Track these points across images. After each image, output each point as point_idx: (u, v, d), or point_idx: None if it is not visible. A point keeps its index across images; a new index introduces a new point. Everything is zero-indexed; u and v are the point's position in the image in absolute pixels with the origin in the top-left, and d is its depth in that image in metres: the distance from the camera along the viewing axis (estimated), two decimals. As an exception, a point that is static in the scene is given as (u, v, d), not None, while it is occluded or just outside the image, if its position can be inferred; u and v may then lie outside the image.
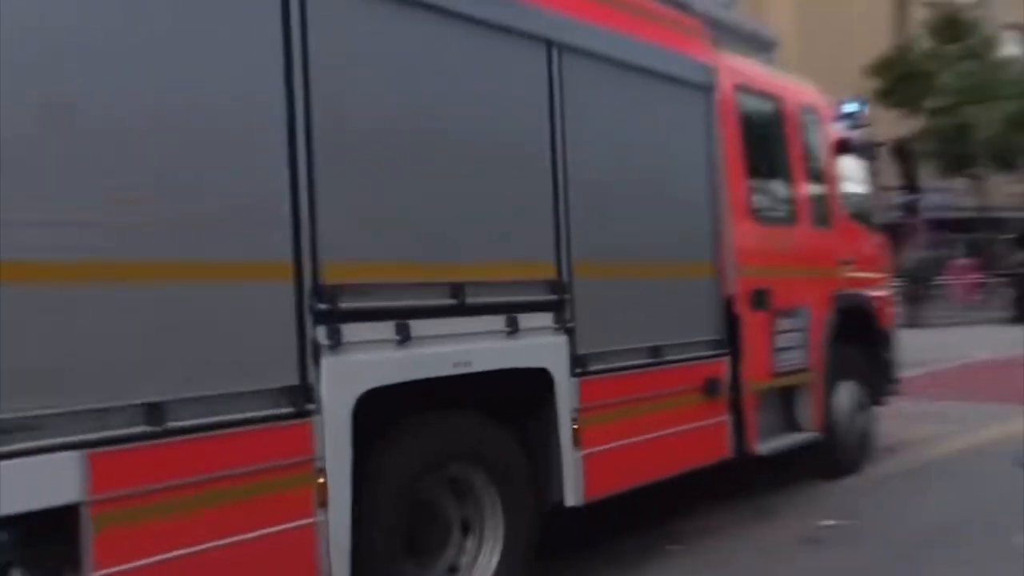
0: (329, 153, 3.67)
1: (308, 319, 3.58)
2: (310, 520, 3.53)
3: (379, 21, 3.95)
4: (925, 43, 36.48)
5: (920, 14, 40.82)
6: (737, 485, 6.74)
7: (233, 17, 3.41)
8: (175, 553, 3.11)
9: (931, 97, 34.16)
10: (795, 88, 7.32)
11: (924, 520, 6.15)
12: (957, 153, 33.78)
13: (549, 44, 4.78)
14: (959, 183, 37.69)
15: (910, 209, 8.50)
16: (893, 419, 8.71)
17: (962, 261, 34.69)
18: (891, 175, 8.58)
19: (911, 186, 8.25)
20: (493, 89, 4.49)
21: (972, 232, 38.49)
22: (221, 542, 3.24)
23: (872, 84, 32.74)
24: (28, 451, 2.79)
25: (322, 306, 3.62)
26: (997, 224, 41.60)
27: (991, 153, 34.67)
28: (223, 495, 3.26)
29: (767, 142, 6.73)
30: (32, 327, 2.82)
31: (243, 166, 3.42)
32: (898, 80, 34.75)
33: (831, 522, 6.10)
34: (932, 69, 34.46)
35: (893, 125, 27.13)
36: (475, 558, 4.38)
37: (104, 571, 2.92)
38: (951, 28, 36.11)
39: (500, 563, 4.38)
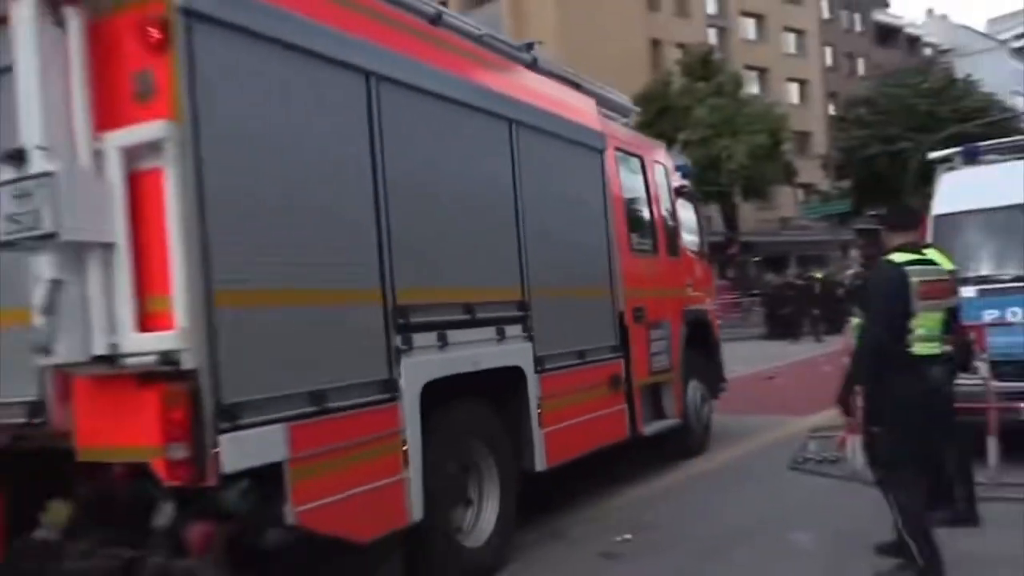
0: (397, 219, 5.03)
1: (392, 330, 4.92)
2: (400, 476, 4.87)
3: (428, 125, 5.38)
4: (679, 80, 40.27)
5: (674, 54, 45.04)
6: (531, 509, 6.74)
7: (356, 149, 4.86)
8: (334, 497, 4.38)
9: (687, 130, 37.46)
10: (650, 145, 9.20)
11: (712, 526, 6.54)
12: (711, 182, 37.16)
13: (510, 122, 6.30)
14: (713, 210, 41.72)
15: (729, 241, 10.58)
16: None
17: (719, 282, 38.03)
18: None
19: (730, 223, 10.35)
20: (485, 165, 5.99)
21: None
22: (357, 490, 4.53)
23: (633, 118, 35.76)
24: (254, 424, 4.00)
25: (399, 320, 4.96)
26: (749, 248, 46.45)
27: (741, 182, 38.52)
28: (355, 460, 4.55)
29: (636, 191, 8.52)
30: (263, 336, 4.06)
31: (358, 229, 4.82)
32: (657, 114, 38.01)
33: (627, 536, 6.33)
34: (687, 104, 38.09)
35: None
36: (479, 512, 5.78)
37: (299, 508, 4.17)
38: (703, 67, 40.03)
39: (499, 513, 5.82)
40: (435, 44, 5.70)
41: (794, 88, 57.18)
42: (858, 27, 63.82)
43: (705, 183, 36.87)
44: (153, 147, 3.82)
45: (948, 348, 5.03)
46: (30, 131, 3.77)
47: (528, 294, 6.28)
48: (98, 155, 3.86)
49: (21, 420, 4.12)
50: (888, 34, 66.85)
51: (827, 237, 47.28)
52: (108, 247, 3.85)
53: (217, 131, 3.94)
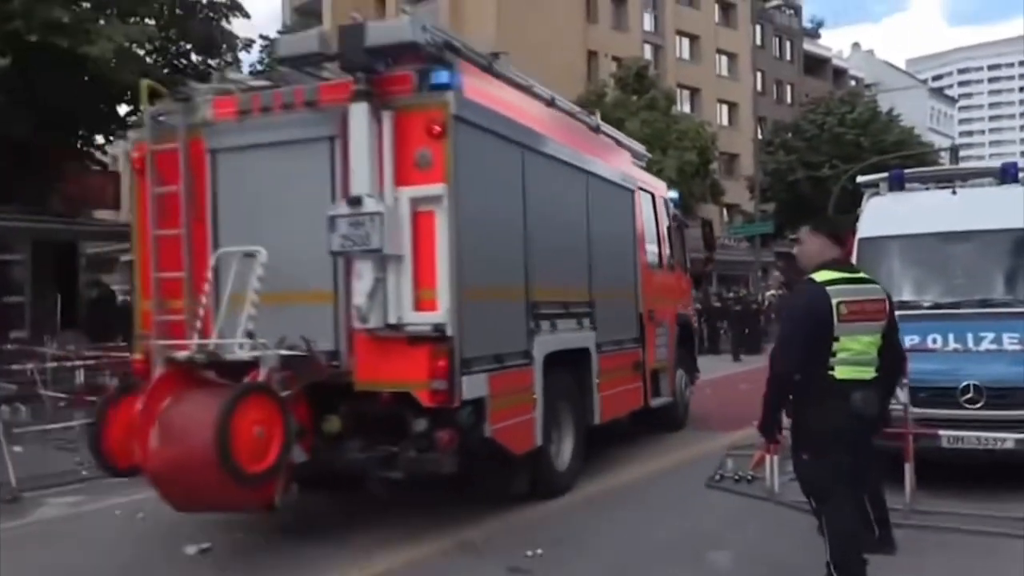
0: (531, 241, 7.50)
1: (529, 316, 7.40)
2: (532, 415, 7.37)
3: (545, 179, 7.83)
4: (613, 92, 42.07)
5: (610, 66, 46.93)
6: (442, 518, 7.06)
7: (518, 198, 7.35)
8: (507, 423, 6.88)
9: (619, 143, 39.18)
10: (656, 183, 11.83)
11: (627, 543, 6.63)
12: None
13: (587, 174, 8.81)
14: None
15: (708, 260, 13.37)
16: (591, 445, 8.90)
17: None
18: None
19: (709, 245, 13.12)
20: (573, 205, 8.50)
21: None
22: (515, 420, 7.04)
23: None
24: (475, 371, 6.46)
25: (534, 311, 7.45)
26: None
27: (669, 199, 40.70)
28: (514, 400, 7.03)
29: (650, 220, 11.11)
30: (481, 316, 6.53)
31: (517, 248, 7.31)
32: (590, 125, 39.82)
33: (538, 551, 6.27)
34: (620, 116, 38.93)
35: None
36: (560, 446, 8.26)
37: (493, 426, 6.66)
38: (637, 81, 41.76)
39: (573, 450, 8.33)
40: (549, 119, 8.19)
41: (724, 109, 59.78)
42: (788, 55, 67.49)
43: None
44: (431, 199, 6.24)
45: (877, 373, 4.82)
46: (362, 184, 6.16)
47: (593, 296, 8.80)
48: (396, 200, 6.25)
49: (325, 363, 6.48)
50: (816, 64, 70.65)
51: (748, 258, 49.55)
52: (400, 258, 6.25)
53: (466, 190, 6.38)
